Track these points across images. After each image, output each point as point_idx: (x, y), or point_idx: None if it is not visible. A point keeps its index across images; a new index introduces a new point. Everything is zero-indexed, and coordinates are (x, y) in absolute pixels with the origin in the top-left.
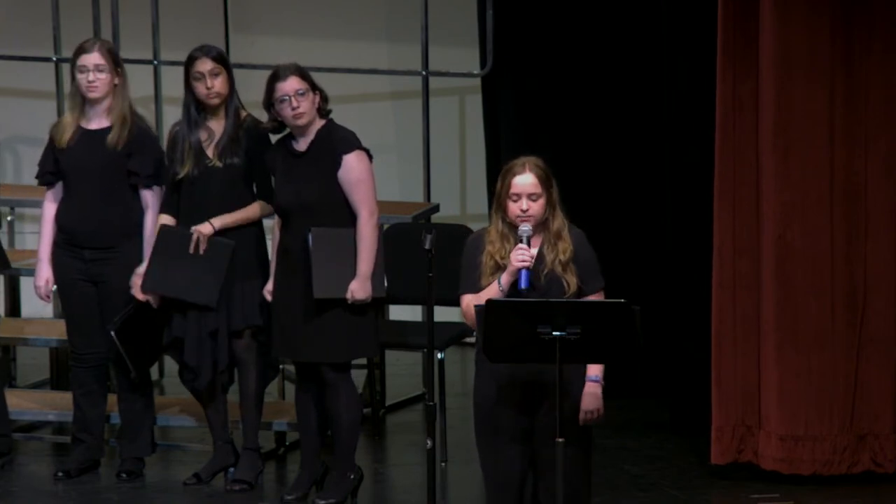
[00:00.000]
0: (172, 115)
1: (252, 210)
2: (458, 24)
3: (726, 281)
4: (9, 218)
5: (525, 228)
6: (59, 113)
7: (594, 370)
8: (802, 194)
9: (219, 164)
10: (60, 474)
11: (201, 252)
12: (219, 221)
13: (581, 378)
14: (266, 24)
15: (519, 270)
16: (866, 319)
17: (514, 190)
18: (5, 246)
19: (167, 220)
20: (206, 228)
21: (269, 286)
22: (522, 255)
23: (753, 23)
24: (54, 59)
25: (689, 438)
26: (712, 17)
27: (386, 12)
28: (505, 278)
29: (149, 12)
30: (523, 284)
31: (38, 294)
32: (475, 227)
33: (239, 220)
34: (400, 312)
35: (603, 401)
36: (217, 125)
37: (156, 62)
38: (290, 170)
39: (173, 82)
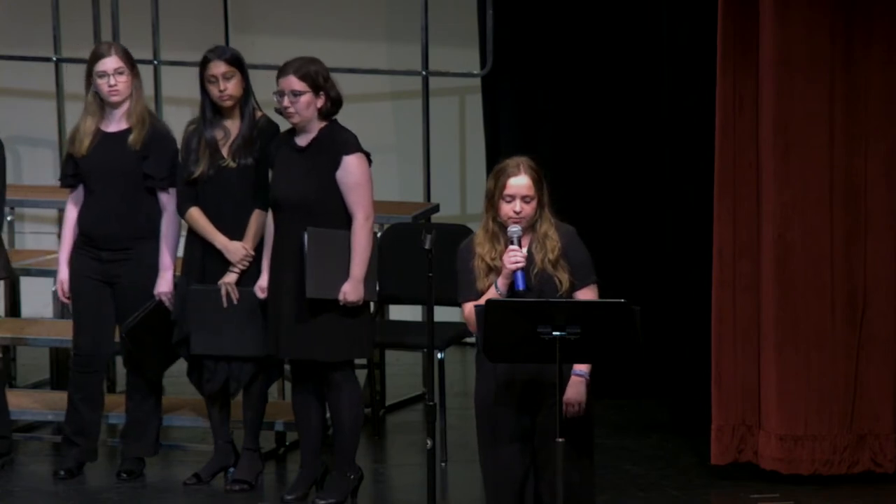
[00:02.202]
0: (172, 114)
1: (263, 216)
2: (458, 24)
3: (726, 281)
4: (9, 218)
5: (514, 229)
6: (60, 113)
7: (581, 365)
8: (802, 194)
9: (233, 164)
10: (62, 473)
11: (235, 301)
12: (249, 244)
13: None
14: (266, 24)
15: (514, 272)
16: (866, 319)
17: (508, 191)
18: (5, 246)
19: (196, 212)
20: (230, 278)
21: (263, 282)
22: (515, 257)
23: (753, 23)
24: (54, 59)
25: (689, 438)
26: (712, 17)
27: (386, 12)
28: (501, 282)
29: (149, 12)
30: (520, 286)
31: (59, 295)
32: (475, 227)
33: (259, 232)
34: (400, 312)
35: (586, 396)
36: (233, 125)
37: (156, 62)
38: (289, 164)
39: (173, 82)
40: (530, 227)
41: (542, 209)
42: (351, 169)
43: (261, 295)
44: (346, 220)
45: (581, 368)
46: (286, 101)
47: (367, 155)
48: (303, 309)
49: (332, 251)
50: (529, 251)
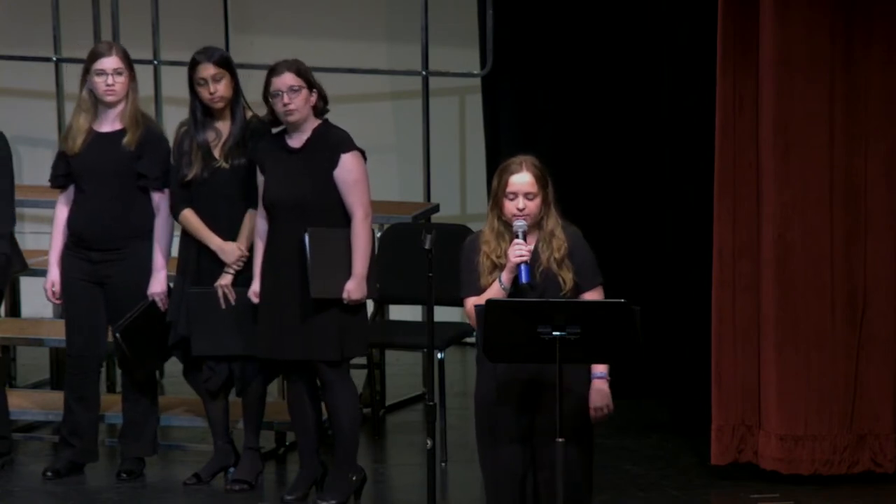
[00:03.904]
0: (172, 114)
1: (256, 216)
2: (458, 24)
3: (726, 281)
4: None
5: (520, 224)
6: (60, 113)
7: (600, 367)
8: (802, 194)
9: (225, 165)
10: (49, 474)
11: (232, 302)
12: (244, 244)
13: (581, 377)
14: (266, 24)
15: (518, 266)
16: (866, 319)
17: (510, 188)
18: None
19: (190, 213)
20: (225, 280)
21: (256, 287)
22: (520, 251)
23: (753, 23)
24: (54, 59)
25: (689, 438)
26: (712, 17)
27: (386, 12)
28: (505, 276)
29: (149, 12)
30: (524, 279)
31: (48, 297)
32: (475, 227)
33: (253, 233)
34: (400, 312)
35: (611, 397)
36: (224, 126)
37: (156, 62)
38: (283, 166)
39: (173, 82)
40: (536, 225)
41: (547, 207)
42: (349, 167)
43: (254, 300)
44: (342, 218)
45: (601, 370)
46: (286, 99)
47: (362, 152)
48: (307, 310)
49: (333, 250)
50: (535, 249)
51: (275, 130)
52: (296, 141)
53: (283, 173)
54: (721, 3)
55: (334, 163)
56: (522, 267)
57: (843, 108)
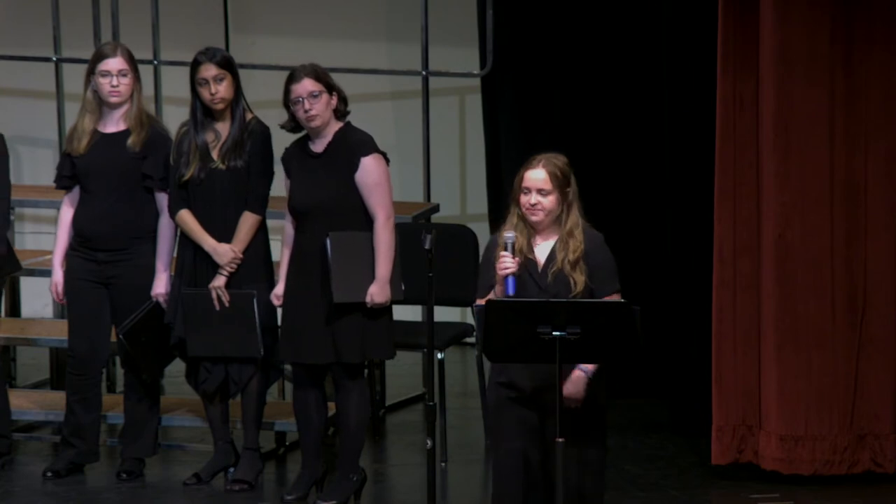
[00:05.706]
0: (172, 114)
1: (253, 218)
2: (458, 24)
3: (726, 281)
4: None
5: (509, 235)
6: (60, 113)
7: (589, 365)
8: (802, 194)
9: (222, 166)
10: (49, 474)
11: (226, 304)
12: (238, 246)
13: (593, 377)
14: (266, 24)
15: (505, 278)
16: (866, 319)
17: (525, 183)
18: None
19: (186, 214)
20: (219, 281)
21: (279, 290)
22: (506, 263)
23: (753, 22)
24: (54, 59)
25: (689, 438)
26: (712, 17)
27: (386, 12)
28: (499, 289)
29: (149, 12)
30: (510, 290)
31: (53, 297)
32: (475, 227)
33: (248, 235)
34: (400, 312)
35: (584, 392)
36: (223, 127)
37: (156, 62)
38: (306, 171)
39: (173, 82)
40: (556, 223)
41: (568, 207)
42: (369, 170)
43: (276, 302)
44: (366, 221)
45: (585, 365)
46: (307, 104)
47: (384, 155)
48: (330, 314)
49: (356, 254)
50: (553, 250)
51: (293, 138)
52: (318, 145)
53: (306, 178)
54: (721, 3)
55: (355, 166)
56: (509, 279)
57: (843, 108)
